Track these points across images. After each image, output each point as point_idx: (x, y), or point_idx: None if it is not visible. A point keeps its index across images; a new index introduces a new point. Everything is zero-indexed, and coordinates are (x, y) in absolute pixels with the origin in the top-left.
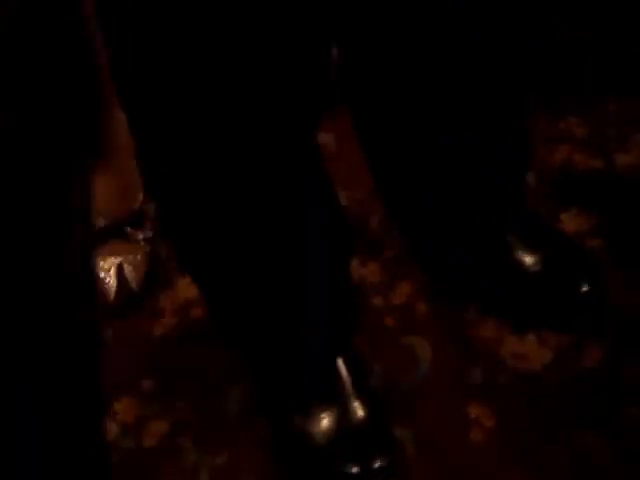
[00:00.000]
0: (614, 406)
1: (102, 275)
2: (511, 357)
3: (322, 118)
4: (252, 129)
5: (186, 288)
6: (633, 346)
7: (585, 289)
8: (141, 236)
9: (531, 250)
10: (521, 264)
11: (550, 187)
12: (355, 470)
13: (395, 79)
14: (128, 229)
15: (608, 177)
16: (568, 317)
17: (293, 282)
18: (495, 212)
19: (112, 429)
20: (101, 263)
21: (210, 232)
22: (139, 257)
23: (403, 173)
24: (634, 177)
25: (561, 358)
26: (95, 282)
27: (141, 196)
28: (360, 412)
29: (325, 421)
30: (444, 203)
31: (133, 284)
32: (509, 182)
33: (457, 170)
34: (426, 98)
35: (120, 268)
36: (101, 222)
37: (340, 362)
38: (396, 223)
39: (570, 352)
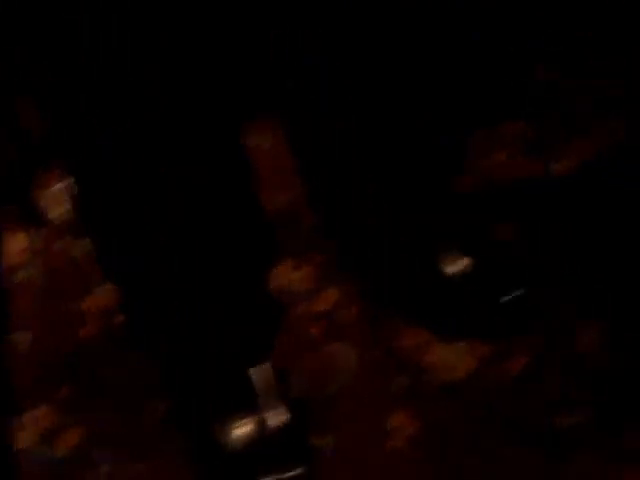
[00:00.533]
0: (538, 415)
1: None
2: (436, 366)
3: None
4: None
5: (109, 294)
6: (557, 354)
7: (510, 296)
8: None
9: (458, 256)
10: (447, 270)
11: (484, 192)
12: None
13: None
14: None
15: (545, 183)
16: (493, 325)
17: (207, 288)
18: (423, 215)
19: (27, 437)
20: None
21: (126, 230)
22: None
23: (331, 175)
24: (571, 183)
25: (485, 367)
26: None
27: None
28: (277, 422)
29: (242, 430)
30: (373, 206)
31: None
32: (440, 185)
33: (387, 173)
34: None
35: None
36: None
37: (257, 372)
38: (324, 227)
39: (495, 361)
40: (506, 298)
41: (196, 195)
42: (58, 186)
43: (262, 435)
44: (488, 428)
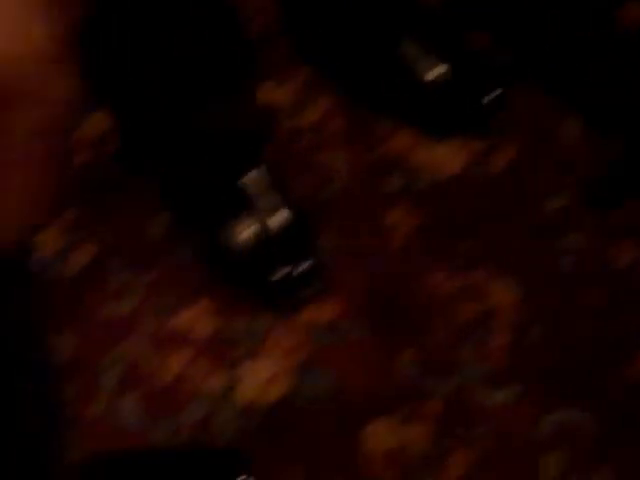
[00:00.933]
0: (530, 201)
1: None
2: (426, 164)
3: None
4: None
5: (92, 125)
6: (540, 147)
7: (490, 96)
8: None
9: (436, 63)
10: (426, 78)
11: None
12: (278, 276)
13: None
14: None
15: None
16: (477, 124)
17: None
18: (400, 23)
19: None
20: None
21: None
22: None
23: None
24: None
25: (474, 163)
26: None
27: None
28: (280, 222)
29: (246, 233)
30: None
31: None
32: None
33: None
34: None
35: None
36: None
37: (254, 175)
38: (302, 48)
39: (482, 157)
40: (487, 98)
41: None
42: None
43: (266, 237)
44: (481, 215)
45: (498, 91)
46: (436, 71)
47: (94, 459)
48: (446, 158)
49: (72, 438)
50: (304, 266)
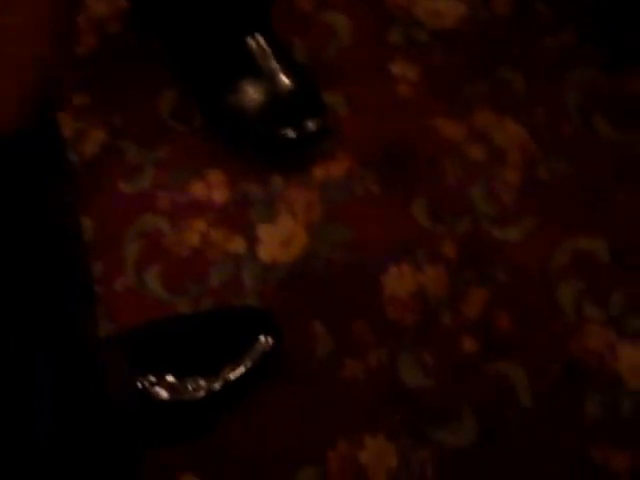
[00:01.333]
0: (532, 41)
1: None
2: (427, 16)
3: None
4: None
5: (98, 5)
6: None
7: None
8: None
9: None
10: None
11: None
12: (291, 134)
13: None
14: None
15: None
16: None
17: None
18: None
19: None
20: None
21: None
22: None
23: None
24: None
25: (475, 10)
26: None
27: None
28: (287, 82)
29: (255, 95)
30: None
31: None
32: None
33: None
34: None
35: None
36: None
37: (259, 37)
38: None
39: (482, 6)
40: None
41: None
42: None
43: (276, 96)
44: (484, 60)
45: None
46: None
47: (124, 332)
48: (447, 8)
49: (103, 312)
50: (313, 124)
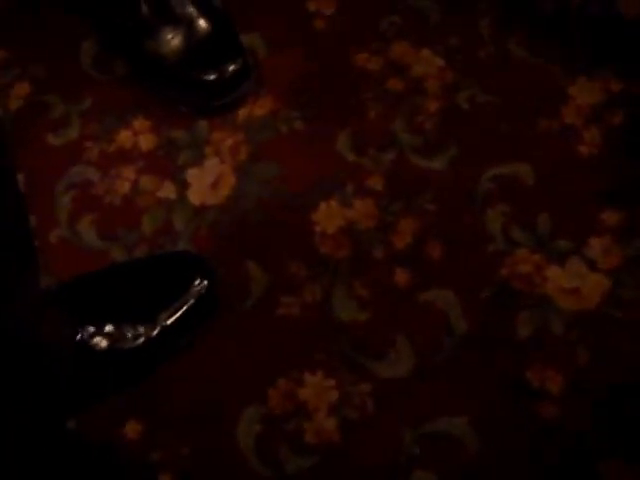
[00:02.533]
0: None
1: None
2: None
3: None
4: None
5: None
6: None
7: None
8: None
9: None
10: None
11: None
12: (212, 77)
13: None
14: None
15: None
16: None
17: None
18: None
19: None
20: None
21: None
22: None
23: None
24: None
25: None
26: None
27: None
28: (205, 26)
29: (174, 41)
30: None
31: None
32: None
33: None
34: None
35: None
36: None
37: None
38: None
39: None
40: None
41: None
42: None
43: (195, 41)
44: None
45: None
46: None
47: (60, 284)
48: None
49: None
50: (233, 66)
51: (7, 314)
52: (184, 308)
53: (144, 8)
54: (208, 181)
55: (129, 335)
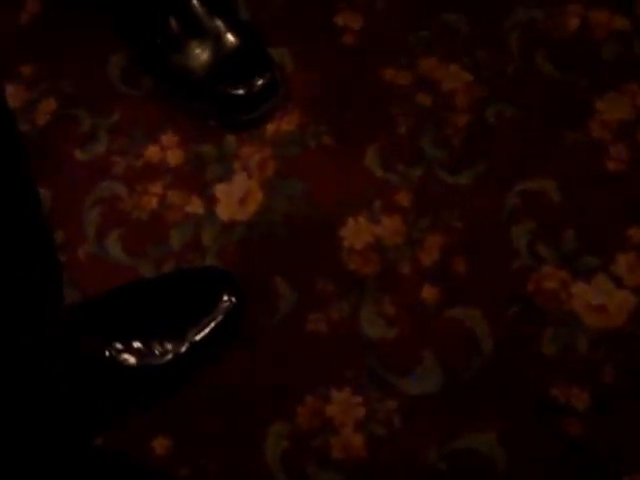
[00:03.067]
0: None
1: None
2: None
3: None
4: None
5: None
6: None
7: None
8: None
9: None
10: None
11: None
12: (241, 91)
13: None
14: None
15: None
16: None
17: None
18: None
19: None
20: None
21: None
22: None
23: None
24: None
25: None
26: None
27: None
28: (233, 40)
29: (202, 55)
30: None
31: None
32: None
33: None
34: None
35: None
36: None
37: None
38: None
39: None
40: None
41: None
42: None
43: (223, 55)
44: (430, 7)
45: None
46: None
47: (87, 300)
48: None
49: (66, 280)
50: (261, 81)
51: (29, 329)
52: (212, 324)
53: (173, 23)
54: (236, 196)
55: (157, 352)
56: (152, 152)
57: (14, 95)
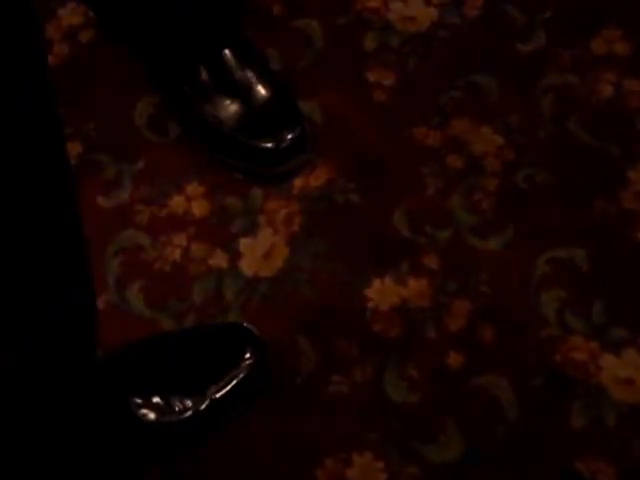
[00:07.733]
0: (504, 45)
1: None
2: (399, 20)
3: None
4: None
5: (70, 15)
6: None
7: None
8: None
9: None
10: None
11: None
12: (270, 144)
13: None
14: None
15: None
16: None
17: None
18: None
19: None
20: None
21: None
22: None
23: None
24: None
25: (446, 14)
26: None
27: None
28: (264, 92)
29: (232, 107)
30: None
31: None
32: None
33: None
34: None
35: None
36: None
37: (234, 49)
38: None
39: (452, 6)
40: None
41: None
42: None
43: (253, 108)
44: (460, 66)
45: None
46: None
47: (107, 354)
48: (418, 12)
49: None
50: (290, 135)
51: (64, 381)
52: (234, 382)
53: (203, 73)
54: (261, 251)
55: (177, 408)
56: (177, 202)
57: None
